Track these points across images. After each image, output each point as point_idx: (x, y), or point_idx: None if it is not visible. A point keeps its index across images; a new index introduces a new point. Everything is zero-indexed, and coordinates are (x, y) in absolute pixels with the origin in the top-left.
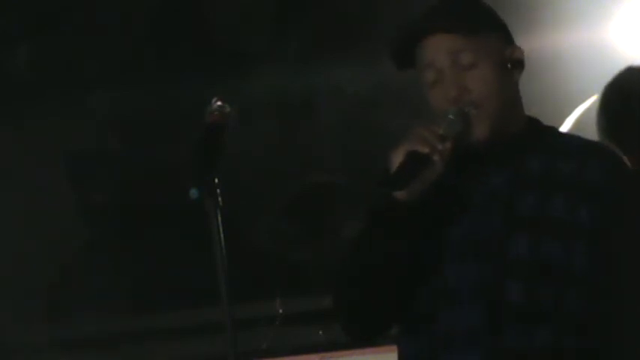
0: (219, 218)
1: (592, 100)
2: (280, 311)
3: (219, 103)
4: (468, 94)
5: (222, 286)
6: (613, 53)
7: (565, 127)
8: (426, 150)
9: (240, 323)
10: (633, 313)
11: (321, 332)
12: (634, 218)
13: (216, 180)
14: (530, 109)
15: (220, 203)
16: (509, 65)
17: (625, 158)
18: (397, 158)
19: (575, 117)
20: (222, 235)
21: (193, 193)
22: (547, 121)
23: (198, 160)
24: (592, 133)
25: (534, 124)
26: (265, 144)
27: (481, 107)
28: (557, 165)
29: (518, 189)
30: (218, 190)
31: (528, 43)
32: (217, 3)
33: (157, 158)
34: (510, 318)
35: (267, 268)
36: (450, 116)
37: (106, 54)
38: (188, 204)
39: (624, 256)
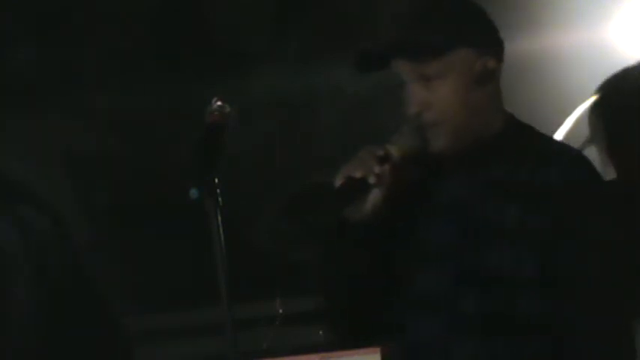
0: (219, 218)
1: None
2: (280, 311)
3: (219, 103)
4: (429, 110)
5: (222, 286)
6: (613, 53)
7: (565, 127)
8: (358, 175)
9: (240, 323)
10: (594, 315)
11: (321, 332)
12: (589, 225)
13: (216, 180)
14: (531, 109)
15: (220, 203)
16: (479, 77)
17: (592, 163)
18: (337, 182)
19: (575, 117)
20: (222, 235)
21: (193, 193)
22: (547, 121)
23: (198, 160)
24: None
25: (510, 124)
26: (265, 144)
27: (442, 124)
28: (519, 172)
29: (477, 197)
30: (218, 190)
31: (528, 43)
32: (217, 3)
33: (156, 158)
34: (466, 328)
35: (267, 268)
36: (399, 134)
37: (106, 54)
38: (188, 204)
39: (580, 262)
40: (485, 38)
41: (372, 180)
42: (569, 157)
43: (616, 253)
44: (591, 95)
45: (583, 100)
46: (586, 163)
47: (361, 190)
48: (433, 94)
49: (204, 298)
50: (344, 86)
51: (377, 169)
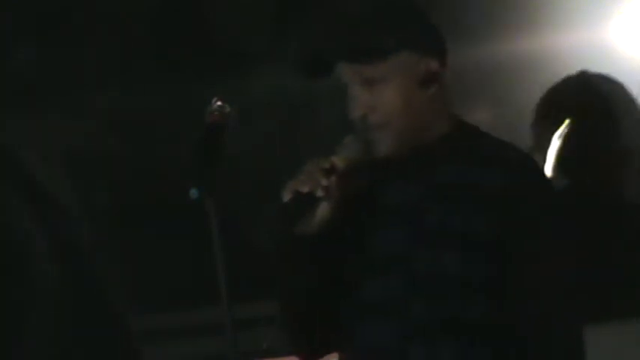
0: (219, 218)
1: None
2: None
3: (219, 103)
4: (374, 113)
5: (222, 286)
6: (613, 53)
7: (565, 127)
8: (305, 189)
9: (240, 323)
10: (540, 318)
11: None
12: (535, 227)
13: (216, 180)
14: (531, 110)
15: (220, 203)
16: (422, 80)
17: (540, 165)
18: (285, 197)
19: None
20: (222, 235)
21: (193, 193)
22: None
23: (198, 160)
24: None
25: (456, 127)
26: (265, 144)
27: (386, 127)
28: (466, 174)
29: (424, 201)
30: (218, 191)
31: (528, 43)
32: (217, 3)
33: (157, 158)
34: (416, 333)
35: (267, 268)
36: (342, 145)
37: (106, 54)
38: (188, 204)
39: (526, 265)
40: (427, 41)
41: (319, 193)
42: (517, 159)
43: (563, 256)
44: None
45: None
46: (533, 165)
47: (309, 203)
48: (377, 97)
49: (204, 298)
50: (344, 86)
51: (324, 181)
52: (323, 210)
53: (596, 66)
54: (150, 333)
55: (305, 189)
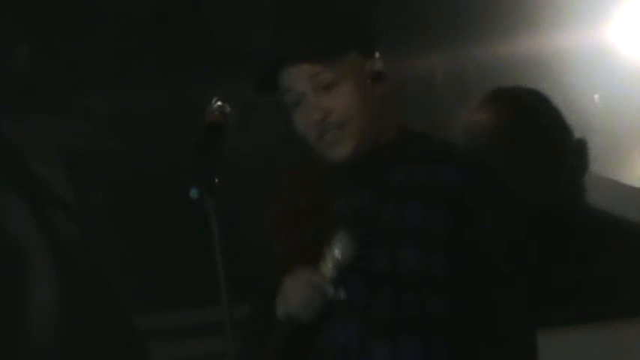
0: (219, 218)
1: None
2: None
3: (219, 103)
4: (330, 115)
5: (222, 286)
6: (613, 53)
7: None
8: (307, 316)
9: (240, 323)
10: (495, 316)
11: None
12: (490, 222)
13: (216, 180)
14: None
15: (220, 203)
16: (372, 80)
17: (493, 164)
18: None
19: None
20: (222, 235)
21: (193, 193)
22: None
23: (198, 160)
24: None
25: (403, 133)
26: (265, 144)
27: (344, 127)
28: (419, 174)
29: (380, 202)
30: (218, 190)
31: (528, 43)
32: (217, 3)
33: (157, 158)
34: (379, 332)
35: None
36: (335, 254)
37: (105, 54)
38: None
39: (480, 261)
40: (371, 42)
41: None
42: (471, 157)
43: (517, 251)
44: (591, 95)
45: (583, 100)
46: (487, 162)
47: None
48: (333, 100)
49: (204, 298)
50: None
51: (320, 303)
52: None
53: (596, 66)
54: (150, 333)
55: (306, 316)
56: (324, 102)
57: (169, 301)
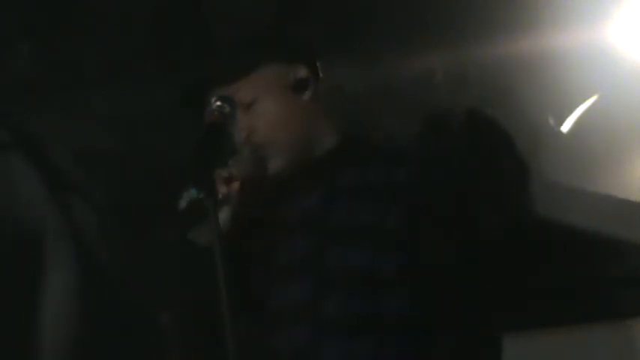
0: (219, 218)
1: (592, 100)
2: None
3: (219, 103)
4: (253, 134)
5: (222, 286)
6: (613, 53)
7: (565, 127)
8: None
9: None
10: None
11: None
12: (434, 221)
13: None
14: (531, 110)
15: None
16: (293, 88)
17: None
18: (182, 204)
19: (576, 117)
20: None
21: (193, 192)
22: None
23: (198, 160)
24: (591, 133)
25: (344, 134)
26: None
27: (270, 145)
28: (367, 174)
29: (326, 204)
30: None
31: (528, 43)
32: (217, 3)
33: (156, 158)
34: (330, 332)
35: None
36: (235, 159)
37: (105, 53)
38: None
39: (429, 258)
40: (291, 49)
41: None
42: (414, 155)
43: (460, 250)
44: (591, 95)
45: (583, 100)
46: (435, 158)
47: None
48: (255, 118)
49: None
50: (344, 86)
51: (222, 189)
52: (223, 218)
53: (596, 66)
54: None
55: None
56: (247, 120)
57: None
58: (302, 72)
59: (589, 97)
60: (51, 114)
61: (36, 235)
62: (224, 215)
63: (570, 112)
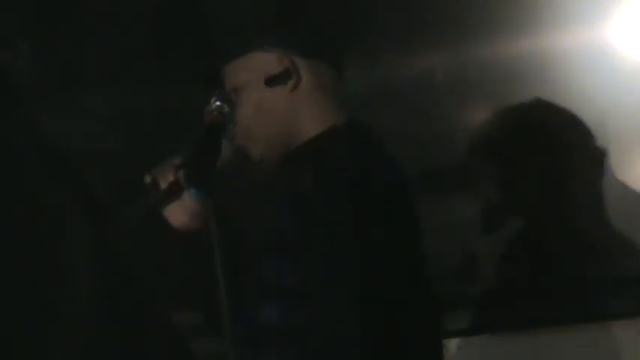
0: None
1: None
2: None
3: (218, 103)
4: (236, 125)
5: (222, 286)
6: (613, 53)
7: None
8: (148, 180)
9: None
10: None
11: None
12: (330, 227)
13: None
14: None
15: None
16: (275, 80)
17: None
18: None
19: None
20: (222, 235)
21: (193, 193)
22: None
23: (198, 160)
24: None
25: (331, 126)
26: None
27: (248, 137)
28: (286, 180)
29: (256, 214)
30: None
31: (528, 43)
32: (217, 3)
33: (157, 158)
34: (238, 345)
35: None
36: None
37: (106, 54)
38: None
39: (322, 265)
40: (276, 41)
41: (162, 186)
42: (322, 162)
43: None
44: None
45: (583, 100)
46: (327, 174)
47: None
48: (239, 107)
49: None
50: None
51: (170, 176)
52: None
53: (596, 66)
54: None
55: (147, 180)
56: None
57: (169, 301)
58: (284, 63)
59: (589, 97)
60: (51, 114)
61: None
62: (174, 206)
63: (570, 112)
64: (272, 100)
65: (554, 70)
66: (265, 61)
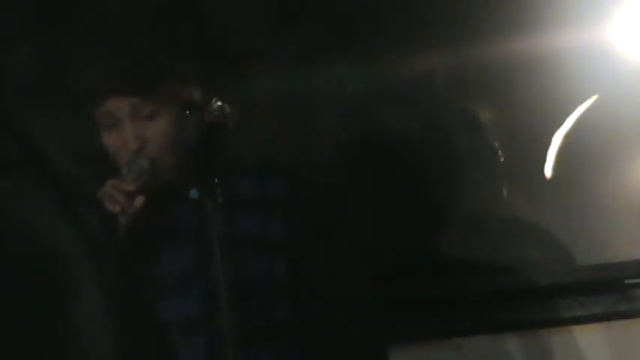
0: (219, 218)
1: (592, 100)
2: None
3: (219, 103)
4: (146, 148)
5: (222, 286)
6: (613, 53)
7: (565, 127)
8: (117, 209)
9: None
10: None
11: None
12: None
13: (216, 180)
14: (531, 109)
15: (220, 203)
16: (188, 109)
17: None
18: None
19: (576, 117)
20: (221, 235)
21: (193, 193)
22: (547, 121)
23: (198, 160)
24: (592, 134)
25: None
26: (265, 144)
27: (159, 159)
28: (240, 188)
29: (210, 218)
30: (218, 190)
31: (528, 43)
32: (218, 3)
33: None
34: (225, 345)
35: None
36: (137, 167)
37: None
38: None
39: (310, 263)
40: (189, 70)
41: (123, 216)
42: (283, 167)
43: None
44: (591, 95)
45: (583, 100)
46: (285, 172)
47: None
48: (150, 132)
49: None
50: (344, 86)
51: (122, 200)
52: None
53: (596, 66)
54: None
55: (117, 209)
56: (143, 132)
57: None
58: (195, 95)
59: (589, 97)
60: (51, 114)
61: (58, 253)
62: (125, 228)
63: (570, 112)
64: (188, 127)
65: (554, 70)
66: (182, 90)
